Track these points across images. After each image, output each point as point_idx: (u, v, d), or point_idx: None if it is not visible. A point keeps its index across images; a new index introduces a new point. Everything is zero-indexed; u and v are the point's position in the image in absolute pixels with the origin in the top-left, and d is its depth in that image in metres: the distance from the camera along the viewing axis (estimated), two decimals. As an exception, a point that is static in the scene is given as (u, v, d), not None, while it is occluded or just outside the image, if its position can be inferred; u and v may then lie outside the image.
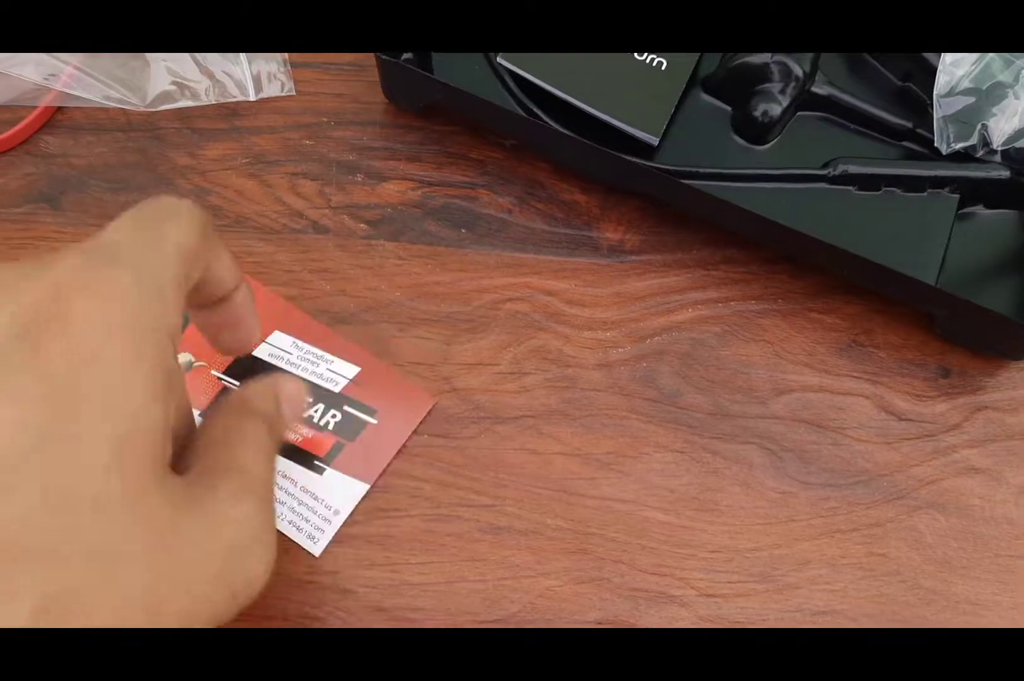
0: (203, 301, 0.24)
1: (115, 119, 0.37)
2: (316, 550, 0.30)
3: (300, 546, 0.30)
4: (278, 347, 0.32)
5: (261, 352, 0.32)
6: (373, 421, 0.32)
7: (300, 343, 0.33)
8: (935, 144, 0.37)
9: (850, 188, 0.37)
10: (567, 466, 0.33)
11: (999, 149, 0.37)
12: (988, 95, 0.37)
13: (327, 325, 0.34)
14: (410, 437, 0.32)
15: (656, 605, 0.31)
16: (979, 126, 0.37)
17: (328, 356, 0.33)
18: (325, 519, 0.31)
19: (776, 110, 0.38)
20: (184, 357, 0.31)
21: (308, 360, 0.33)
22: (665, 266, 0.37)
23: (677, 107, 0.38)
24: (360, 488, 0.31)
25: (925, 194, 0.37)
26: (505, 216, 0.37)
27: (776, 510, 0.33)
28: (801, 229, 0.34)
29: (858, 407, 0.35)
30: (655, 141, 0.37)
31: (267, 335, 0.33)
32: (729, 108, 0.39)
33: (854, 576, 0.32)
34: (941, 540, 0.33)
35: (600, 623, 0.30)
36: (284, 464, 0.31)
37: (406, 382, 0.33)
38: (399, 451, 0.32)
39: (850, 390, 0.35)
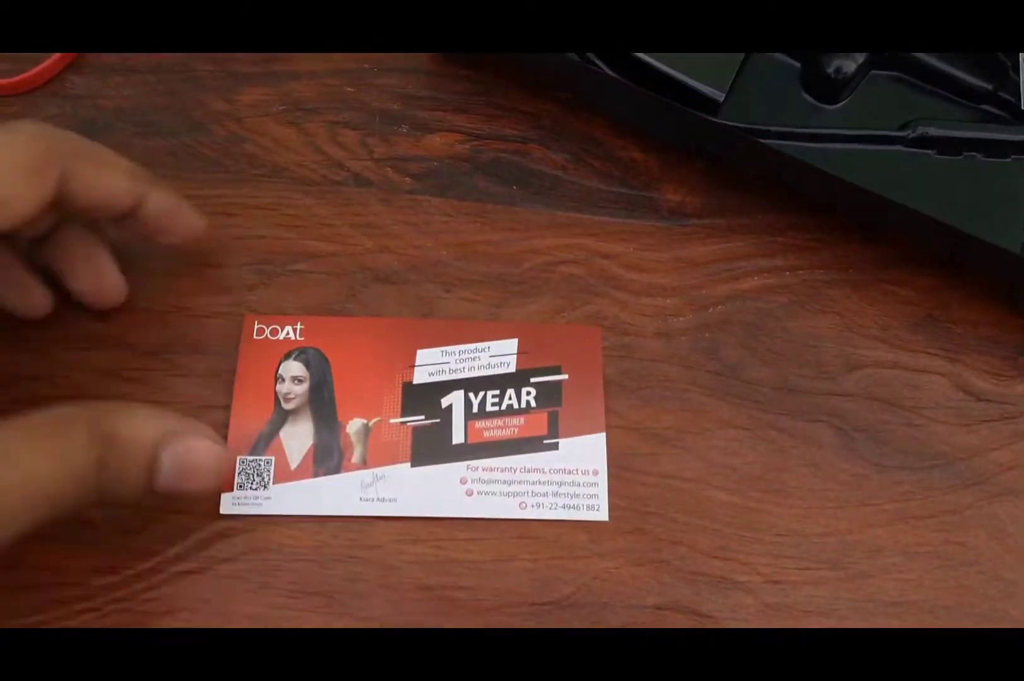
0: (102, 217, 0.26)
1: (146, 60, 0.35)
2: (603, 516, 0.29)
3: (588, 521, 0.29)
4: (430, 363, 0.30)
5: (421, 376, 0.30)
6: (564, 376, 0.31)
7: (447, 349, 0.31)
8: (1022, 106, 0.35)
9: (929, 152, 0.35)
10: (626, 441, 0.30)
11: None
12: None
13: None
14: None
15: (719, 590, 0.29)
16: None
17: (480, 345, 0.31)
18: (591, 484, 0.29)
19: (851, 67, 0.35)
20: (357, 423, 0.29)
21: (467, 359, 0.30)
22: (729, 231, 0.34)
23: (744, 61, 0.35)
24: (598, 439, 0.30)
25: (1009, 160, 0.35)
26: (559, 173, 0.34)
27: (847, 493, 0.30)
28: (880, 192, 0.32)
29: (934, 385, 0.32)
30: (721, 96, 0.34)
31: (409, 357, 0.30)
32: (799, 64, 0.37)
33: (930, 565, 0.30)
34: (1023, 529, 0.31)
35: (659, 608, 0.28)
36: (522, 459, 0.29)
37: (563, 326, 0.32)
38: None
39: (926, 367, 0.33)
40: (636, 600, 0.28)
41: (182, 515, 0.28)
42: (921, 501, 0.31)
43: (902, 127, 0.35)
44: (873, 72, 0.37)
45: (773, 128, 0.34)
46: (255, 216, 0.32)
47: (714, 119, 0.33)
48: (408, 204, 0.33)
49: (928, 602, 0.29)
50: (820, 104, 0.36)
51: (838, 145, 0.34)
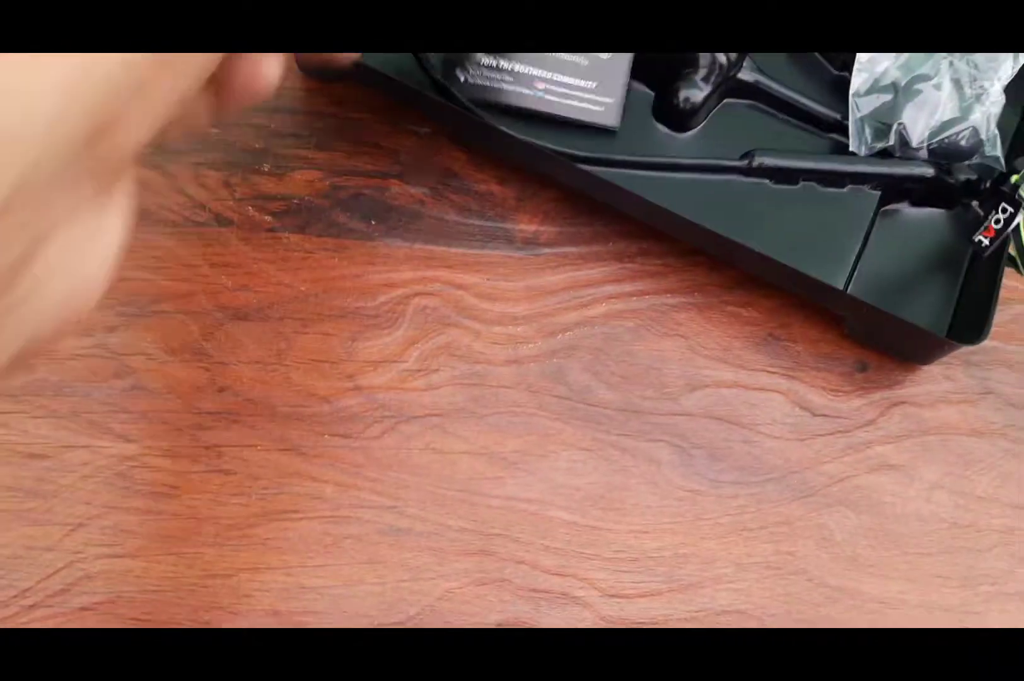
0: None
1: None
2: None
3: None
4: None
5: None
6: None
7: None
8: (850, 147, 0.37)
9: (767, 181, 0.36)
10: (472, 466, 0.32)
11: (919, 147, 0.36)
12: (907, 91, 0.36)
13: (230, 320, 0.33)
14: (310, 437, 0.32)
15: (558, 606, 0.30)
16: (896, 125, 0.36)
17: None
18: None
19: (698, 96, 0.37)
20: None
21: None
22: (580, 259, 0.36)
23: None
24: None
25: (845, 190, 0.37)
26: (417, 207, 0.36)
27: (683, 508, 0.32)
28: (708, 225, 0.33)
29: (772, 403, 0.34)
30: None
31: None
32: (653, 93, 0.38)
33: (760, 575, 0.32)
34: (850, 538, 0.33)
35: (500, 625, 0.30)
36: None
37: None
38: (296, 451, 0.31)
39: (764, 385, 0.35)
40: (479, 618, 0.30)
41: (42, 552, 0.29)
42: (754, 514, 0.33)
43: (741, 157, 0.36)
44: (727, 101, 0.38)
45: (612, 157, 0.35)
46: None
47: (549, 147, 0.34)
48: (268, 242, 0.35)
49: (756, 610, 0.31)
50: (672, 133, 0.38)
51: (678, 174, 0.36)
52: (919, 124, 0.37)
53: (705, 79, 0.37)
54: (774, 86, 0.38)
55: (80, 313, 0.18)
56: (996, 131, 0.37)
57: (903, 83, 0.36)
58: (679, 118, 0.37)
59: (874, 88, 0.36)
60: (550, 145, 0.34)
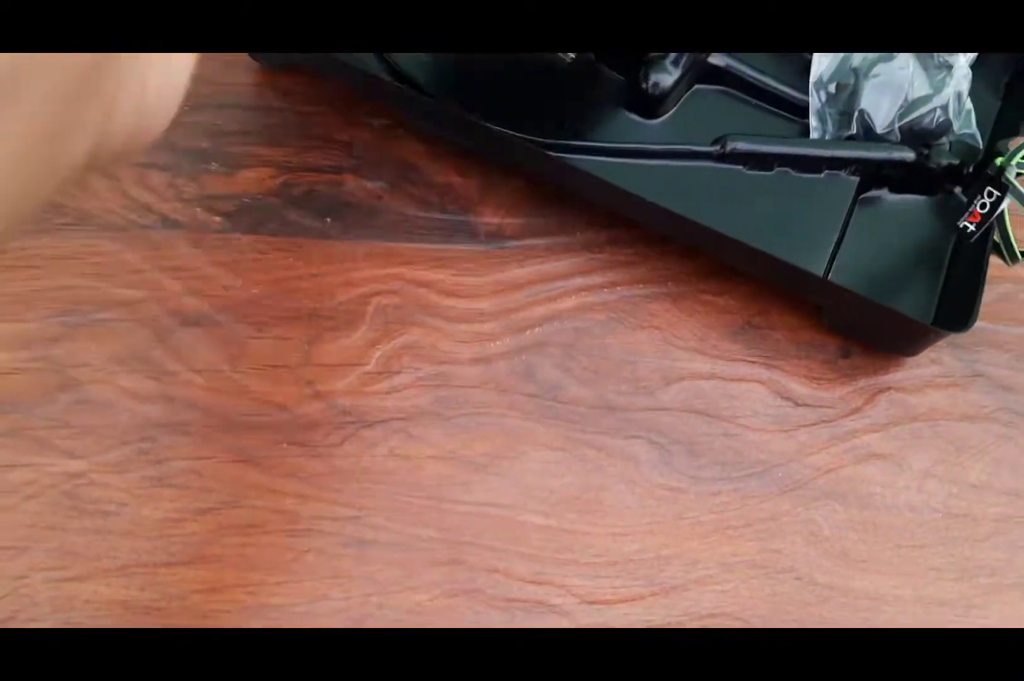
0: None
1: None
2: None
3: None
4: None
5: None
6: None
7: None
8: (810, 135, 0.35)
9: (740, 167, 0.35)
10: (439, 471, 0.30)
11: (885, 132, 0.35)
12: (867, 75, 0.35)
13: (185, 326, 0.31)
14: (267, 447, 0.30)
15: (534, 616, 0.29)
16: (856, 113, 0.35)
17: None
18: None
19: (667, 81, 0.35)
20: None
21: None
22: (547, 251, 0.34)
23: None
24: None
25: (822, 175, 0.35)
26: (375, 202, 0.34)
27: (663, 508, 0.31)
28: (681, 212, 0.32)
29: (752, 394, 0.33)
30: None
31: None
32: (622, 77, 0.37)
33: (746, 575, 0.30)
34: (839, 532, 0.31)
35: (474, 638, 0.28)
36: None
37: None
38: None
39: (744, 376, 0.33)
40: (451, 631, 0.29)
41: None
42: (738, 511, 0.31)
43: (713, 142, 0.35)
44: (698, 87, 0.37)
45: (578, 143, 0.34)
46: (59, 266, 0.32)
47: (521, 135, 0.33)
48: (218, 244, 0.33)
49: (743, 612, 0.30)
50: (642, 119, 0.36)
51: (648, 161, 0.34)
52: (882, 108, 0.35)
53: (675, 63, 0.35)
54: (745, 70, 0.37)
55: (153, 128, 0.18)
56: (970, 106, 0.36)
57: (864, 68, 0.35)
58: (649, 104, 0.36)
59: (835, 75, 0.35)
60: (517, 132, 0.32)
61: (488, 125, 0.32)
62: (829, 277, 0.33)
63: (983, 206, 0.33)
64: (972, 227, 0.34)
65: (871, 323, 0.33)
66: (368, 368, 0.32)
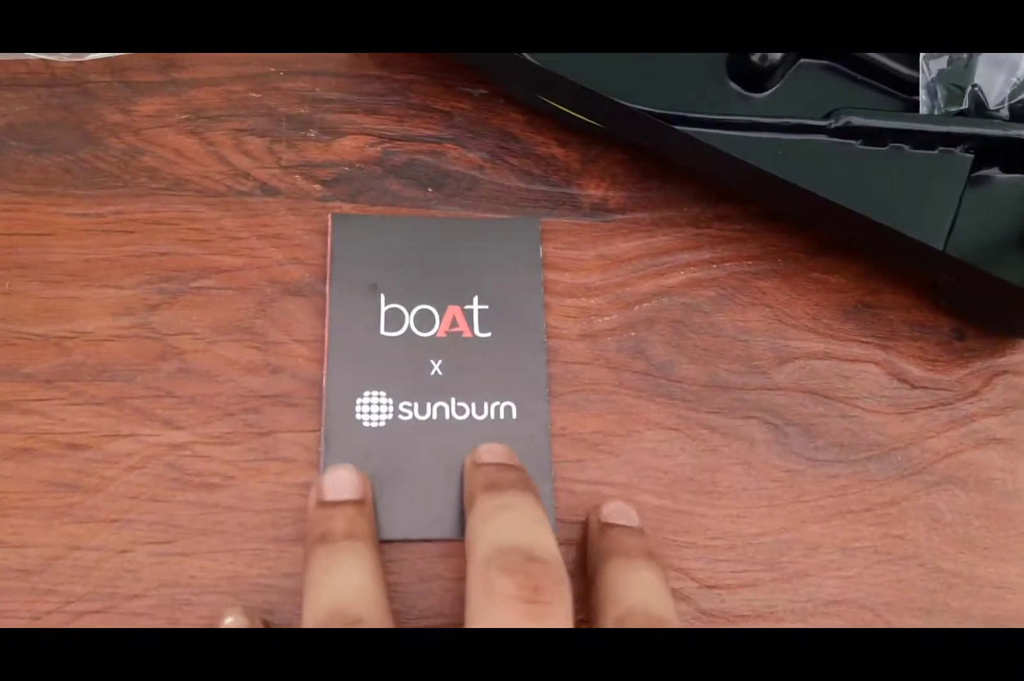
0: None
1: (37, 73, 0.33)
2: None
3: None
4: None
5: None
6: None
7: None
8: (919, 110, 0.34)
9: (853, 142, 0.34)
10: (551, 449, 0.29)
11: (997, 108, 0.34)
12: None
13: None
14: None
15: (653, 599, 0.28)
16: (969, 88, 0.33)
17: None
18: None
19: (776, 54, 0.34)
20: None
21: None
22: (653, 225, 0.33)
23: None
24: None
25: (935, 152, 0.34)
26: (476, 173, 0.33)
27: (781, 490, 0.30)
28: (799, 183, 0.31)
29: (867, 375, 0.32)
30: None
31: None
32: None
33: (869, 561, 0.29)
34: (962, 518, 0.30)
35: (585, 622, 0.27)
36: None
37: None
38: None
39: (858, 356, 0.32)
40: (568, 613, 0.27)
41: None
42: (857, 494, 0.30)
43: (826, 116, 0.34)
44: (803, 61, 0.36)
45: (692, 115, 0.33)
46: (156, 232, 0.31)
47: (634, 105, 0.32)
48: (318, 212, 0.32)
49: (867, 599, 0.29)
50: (746, 92, 0.35)
51: (760, 134, 0.33)
52: (996, 85, 0.34)
53: (781, 34, 0.34)
54: (851, 42, 0.35)
55: None
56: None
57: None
58: (755, 77, 0.35)
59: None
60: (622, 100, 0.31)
61: (604, 94, 0.31)
62: (946, 250, 0.32)
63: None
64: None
65: (987, 301, 0.32)
66: (474, 342, 0.30)
